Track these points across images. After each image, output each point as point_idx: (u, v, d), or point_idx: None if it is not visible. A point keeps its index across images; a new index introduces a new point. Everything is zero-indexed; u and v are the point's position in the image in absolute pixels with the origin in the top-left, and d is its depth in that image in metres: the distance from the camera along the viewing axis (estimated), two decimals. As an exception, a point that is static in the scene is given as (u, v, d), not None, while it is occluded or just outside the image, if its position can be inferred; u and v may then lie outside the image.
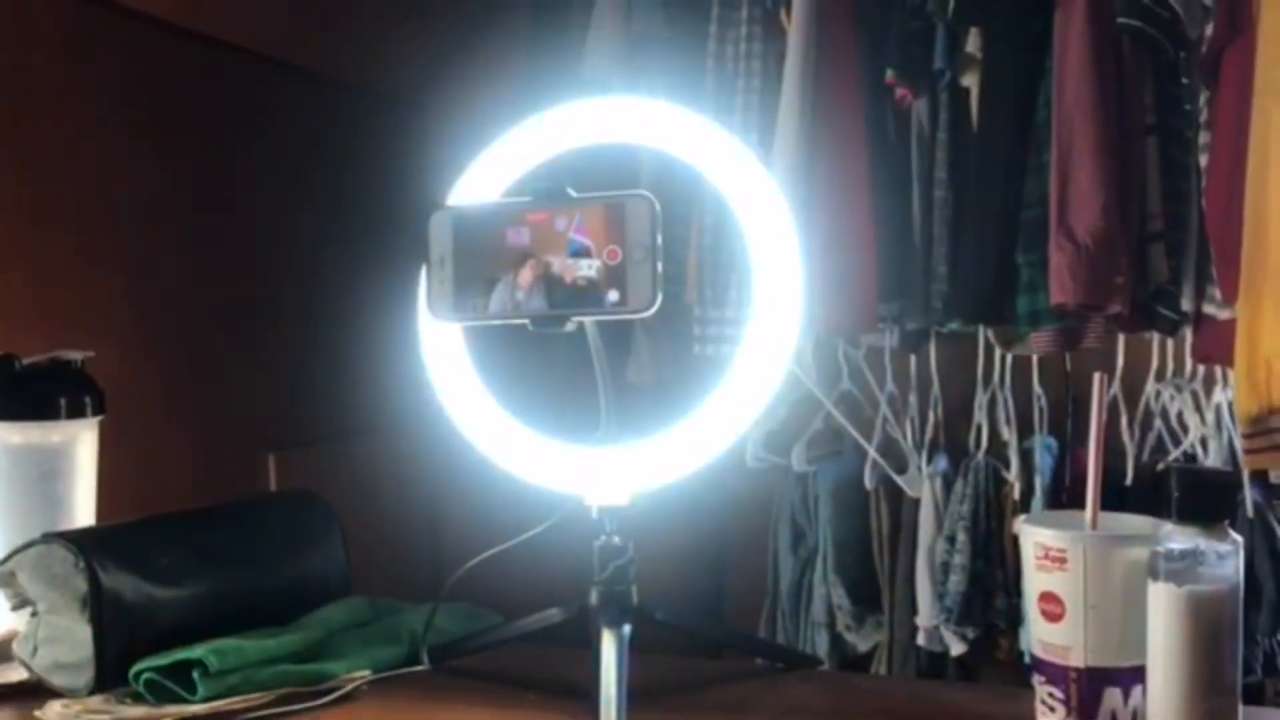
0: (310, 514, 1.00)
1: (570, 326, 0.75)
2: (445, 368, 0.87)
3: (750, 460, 1.89)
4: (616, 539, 0.82)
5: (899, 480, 1.90)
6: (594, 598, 0.83)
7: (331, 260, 2.13)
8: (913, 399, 1.93)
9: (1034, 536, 0.77)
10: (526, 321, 0.75)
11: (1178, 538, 0.71)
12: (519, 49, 2.08)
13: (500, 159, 0.88)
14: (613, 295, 0.74)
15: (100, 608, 0.83)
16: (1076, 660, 0.75)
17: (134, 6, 1.65)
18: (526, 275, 0.75)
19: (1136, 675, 0.74)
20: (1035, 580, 0.78)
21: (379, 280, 2.20)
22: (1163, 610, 0.70)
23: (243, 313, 1.91)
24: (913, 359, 1.93)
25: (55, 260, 1.55)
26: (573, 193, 0.75)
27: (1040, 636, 0.78)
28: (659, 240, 0.73)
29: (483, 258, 0.76)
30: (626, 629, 0.80)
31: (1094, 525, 0.79)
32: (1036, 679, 0.78)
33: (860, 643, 1.96)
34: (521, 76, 2.03)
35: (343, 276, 2.16)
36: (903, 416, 1.93)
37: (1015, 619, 1.82)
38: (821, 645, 1.94)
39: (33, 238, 1.52)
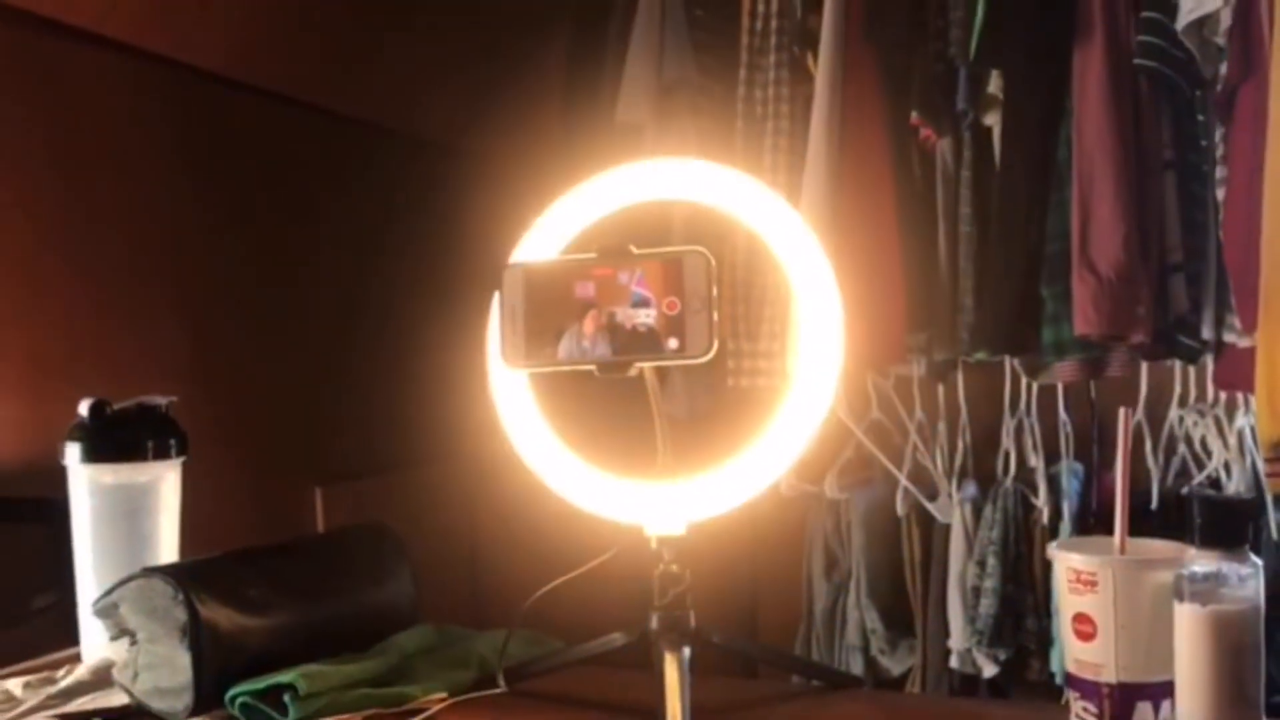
0: (382, 546, 1.07)
1: (633, 371, 0.82)
2: (515, 410, 0.93)
3: (784, 489, 1.94)
4: (675, 567, 0.88)
5: (930, 507, 1.95)
6: (654, 622, 0.89)
7: (377, 300, 2.21)
8: (941, 427, 1.98)
9: (1066, 561, 0.83)
10: (593, 367, 0.82)
11: (1201, 561, 0.76)
12: (552, 95, 2.16)
13: (555, 219, 0.95)
14: (672, 342, 0.80)
15: (199, 637, 0.89)
16: (1109, 676, 0.80)
17: (191, 62, 1.74)
18: (590, 324, 0.81)
19: (1166, 690, 0.79)
20: (1068, 602, 0.83)
21: (422, 318, 2.29)
22: (1188, 629, 0.75)
23: (292, 352, 1.99)
24: (940, 388, 1.98)
25: (118, 305, 1.63)
26: (635, 249, 0.82)
27: (1074, 655, 0.83)
28: (714, 292, 0.80)
29: (552, 309, 0.82)
30: (687, 652, 0.86)
31: (1123, 550, 0.84)
32: (1072, 695, 0.83)
33: (894, 666, 2.00)
34: (555, 121, 2.10)
35: (387, 315, 2.24)
36: (932, 444, 1.99)
37: (1045, 640, 1.86)
38: (856, 668, 1.99)
39: (98, 285, 1.60)
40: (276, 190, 1.96)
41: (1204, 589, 0.75)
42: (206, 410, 1.76)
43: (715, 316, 0.80)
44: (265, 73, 1.88)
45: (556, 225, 0.95)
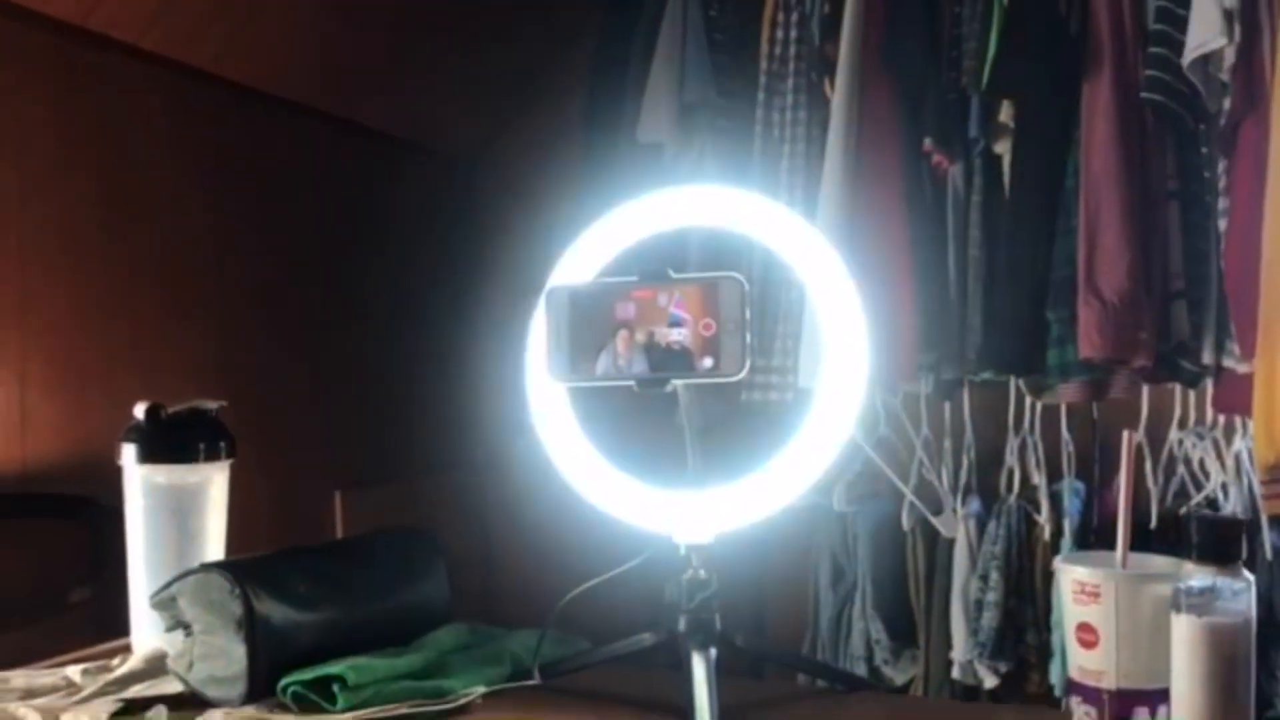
0: (419, 547, 1.13)
1: (670, 388, 0.87)
2: (553, 423, 0.99)
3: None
4: (702, 573, 0.94)
5: (934, 521, 2.00)
6: (682, 624, 0.94)
7: (398, 309, 2.27)
8: (947, 444, 2.04)
9: (1071, 574, 0.89)
10: (633, 383, 0.87)
11: (1197, 576, 0.82)
12: (573, 113, 2.22)
13: (591, 242, 1.01)
14: (707, 361, 0.86)
15: (254, 629, 0.95)
16: (1109, 683, 0.86)
17: (227, 76, 1.80)
18: (624, 343, 0.87)
19: (1163, 696, 0.84)
20: (1072, 612, 0.89)
21: (443, 327, 2.35)
22: (1184, 639, 0.81)
23: (315, 358, 2.04)
24: (947, 406, 2.04)
25: (151, 315, 1.68)
26: (672, 273, 0.87)
27: (1078, 662, 0.89)
28: (748, 315, 0.85)
29: (594, 327, 0.88)
30: (713, 652, 0.92)
31: (1124, 564, 0.90)
32: (1074, 700, 0.89)
33: (897, 675, 2.05)
34: (576, 139, 2.16)
35: (408, 324, 2.30)
36: (937, 461, 2.04)
37: (1045, 653, 1.91)
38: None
39: (132, 296, 1.65)
40: (307, 201, 2.02)
41: (1200, 601, 0.81)
42: (231, 414, 1.82)
43: (748, 338, 0.85)
44: (299, 88, 1.94)
45: (587, 248, 1.01)
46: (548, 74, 2.43)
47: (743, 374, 0.85)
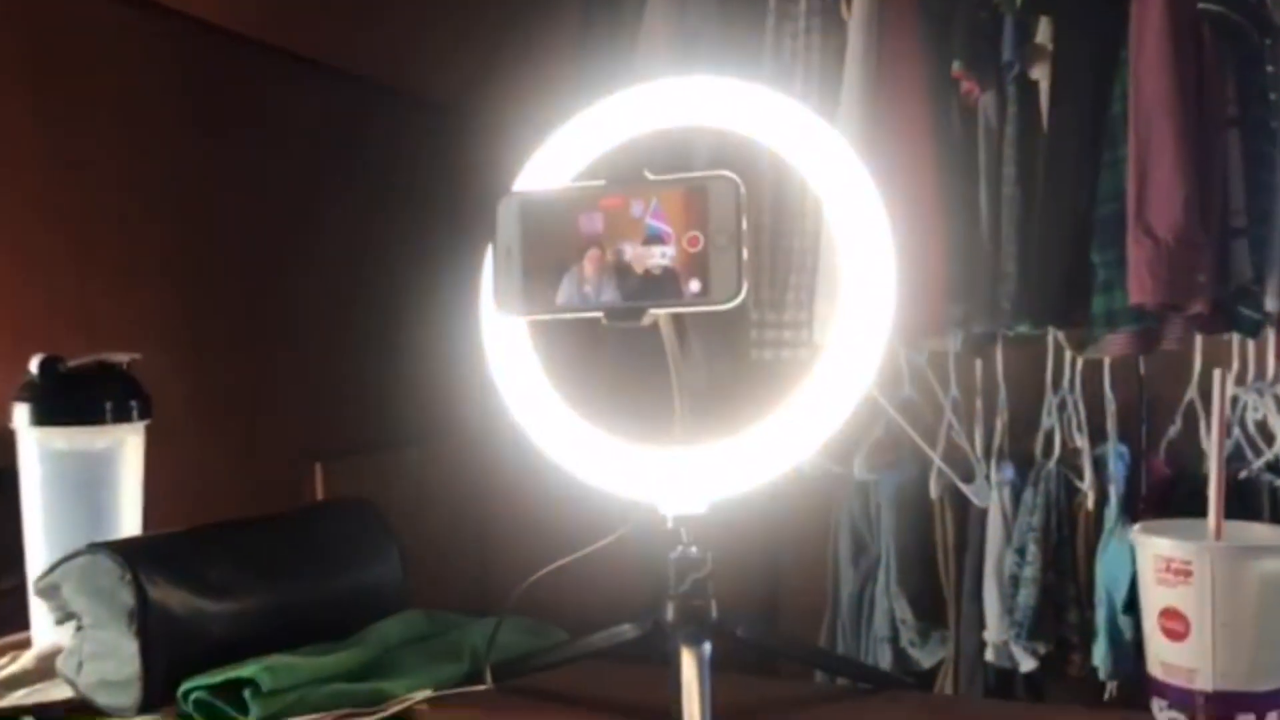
0: (366, 524, 0.96)
1: (647, 320, 0.70)
2: (510, 364, 0.82)
3: (807, 467, 1.82)
4: (694, 550, 0.77)
5: (965, 489, 1.83)
6: (670, 613, 0.77)
7: (379, 266, 2.10)
8: (979, 404, 1.86)
9: (1152, 548, 0.71)
10: (600, 314, 0.70)
11: (1319, 548, 0.64)
12: (568, 51, 2.03)
13: (562, 147, 0.83)
14: (694, 285, 0.68)
15: (147, 622, 0.78)
16: (1204, 684, 0.68)
17: (183, 9, 1.63)
18: (591, 264, 0.69)
19: (1273, 700, 0.67)
20: (1154, 595, 0.71)
21: (426, 287, 2.17)
22: (1307, 629, 0.63)
23: (290, 320, 1.88)
24: (978, 363, 1.87)
25: (102, 263, 1.52)
26: (650, 175, 0.70)
27: (1161, 657, 0.71)
28: (744, 225, 0.68)
29: (553, 246, 0.70)
30: (707, 647, 0.74)
31: (1218, 534, 0.72)
32: (1157, 704, 0.71)
33: (924, 658, 1.88)
34: (570, 79, 1.98)
35: (390, 283, 2.13)
36: (968, 423, 1.87)
37: (1088, 633, 1.75)
38: (884, 660, 1.87)
39: (79, 239, 1.49)
40: (277, 149, 1.85)
41: (1324, 582, 0.63)
42: (193, 377, 1.66)
43: (745, 254, 0.67)
44: (263, 25, 1.77)
45: (564, 154, 0.83)
46: (542, 12, 2.25)
47: (738, 299, 0.67)
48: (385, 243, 2.12)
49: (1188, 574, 0.68)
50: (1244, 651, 0.67)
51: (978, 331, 1.75)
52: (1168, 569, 0.69)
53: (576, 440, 0.80)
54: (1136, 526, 0.73)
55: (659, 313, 0.70)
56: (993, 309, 1.69)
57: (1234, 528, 0.73)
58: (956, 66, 1.62)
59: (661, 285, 0.69)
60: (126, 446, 0.98)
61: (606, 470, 0.79)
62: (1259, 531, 0.74)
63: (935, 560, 1.87)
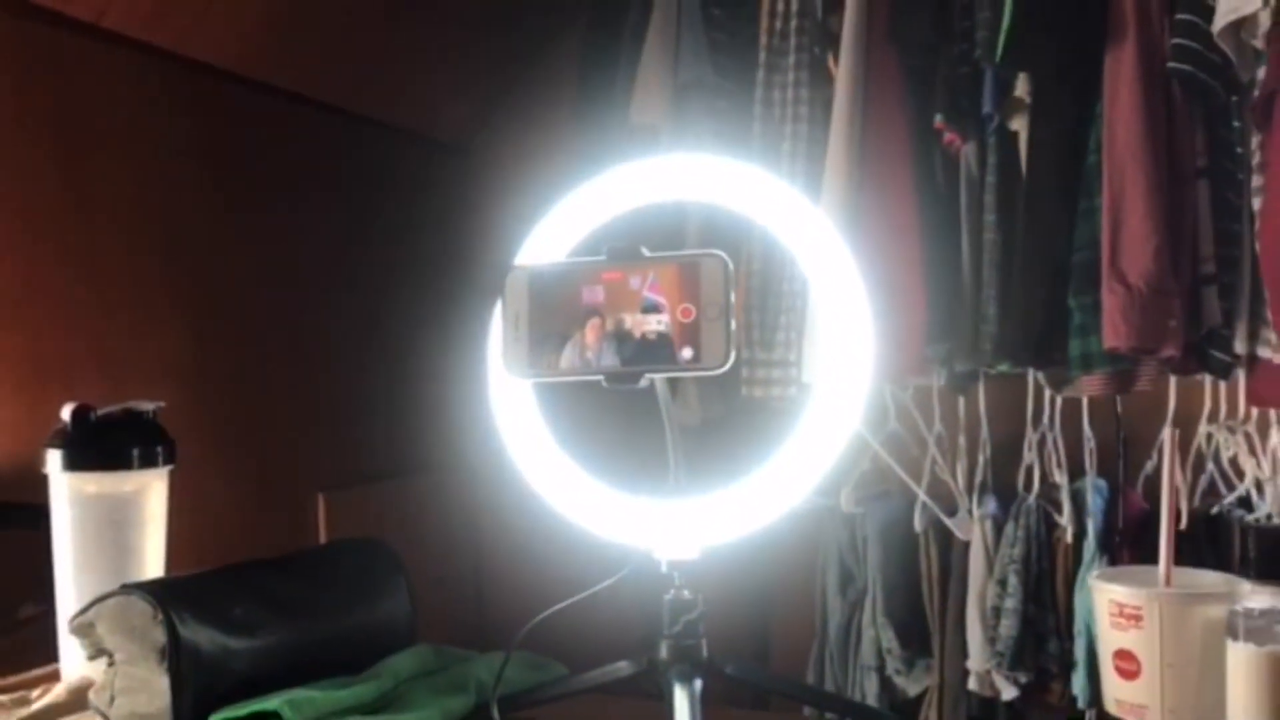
0: (377, 562, 1.02)
1: (644, 383, 0.76)
2: (516, 423, 0.88)
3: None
4: (686, 593, 0.83)
5: (949, 523, 1.89)
6: (664, 652, 0.83)
7: (383, 303, 2.16)
8: (961, 440, 1.92)
9: (1108, 594, 0.77)
10: (601, 377, 0.76)
11: (1256, 597, 0.70)
12: (566, 97, 2.10)
13: (561, 219, 0.90)
14: (686, 352, 0.75)
15: (178, 659, 0.84)
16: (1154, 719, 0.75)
17: (194, 55, 1.70)
18: (593, 332, 0.76)
19: (1216, 735, 0.73)
20: (1109, 638, 0.77)
21: (432, 322, 2.24)
22: (1243, 671, 0.69)
23: (293, 354, 1.94)
24: (961, 400, 1.93)
25: (120, 305, 1.58)
26: (646, 251, 0.76)
27: (1116, 695, 0.77)
28: (733, 298, 0.74)
29: (558, 315, 0.77)
30: (698, 684, 0.80)
31: (1168, 581, 0.78)
32: (1112, 737, 0.78)
33: (910, 686, 1.94)
34: (569, 124, 2.05)
35: (395, 319, 2.20)
36: (951, 458, 1.93)
37: (1068, 663, 1.80)
38: (871, 689, 1.93)
39: (97, 283, 1.55)
40: (282, 191, 1.91)
41: (1260, 626, 0.69)
42: (204, 414, 1.72)
43: (733, 325, 0.74)
44: (273, 69, 1.83)
45: (563, 226, 0.89)
46: (541, 57, 2.32)
47: (726, 366, 0.74)
48: (394, 280, 2.19)
49: (1139, 618, 0.75)
50: (1190, 691, 0.74)
51: (960, 370, 1.80)
52: (1120, 613, 0.76)
53: (578, 491, 0.86)
54: (1094, 574, 0.80)
55: (655, 377, 0.76)
56: (974, 348, 1.74)
57: (1183, 575, 0.79)
58: (939, 118, 1.68)
59: (656, 351, 0.75)
60: (152, 490, 1.04)
61: (606, 519, 0.85)
62: (1206, 579, 0.80)
63: (920, 591, 1.92)
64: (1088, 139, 1.64)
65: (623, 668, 0.85)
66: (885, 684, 1.93)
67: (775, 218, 0.85)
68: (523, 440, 0.88)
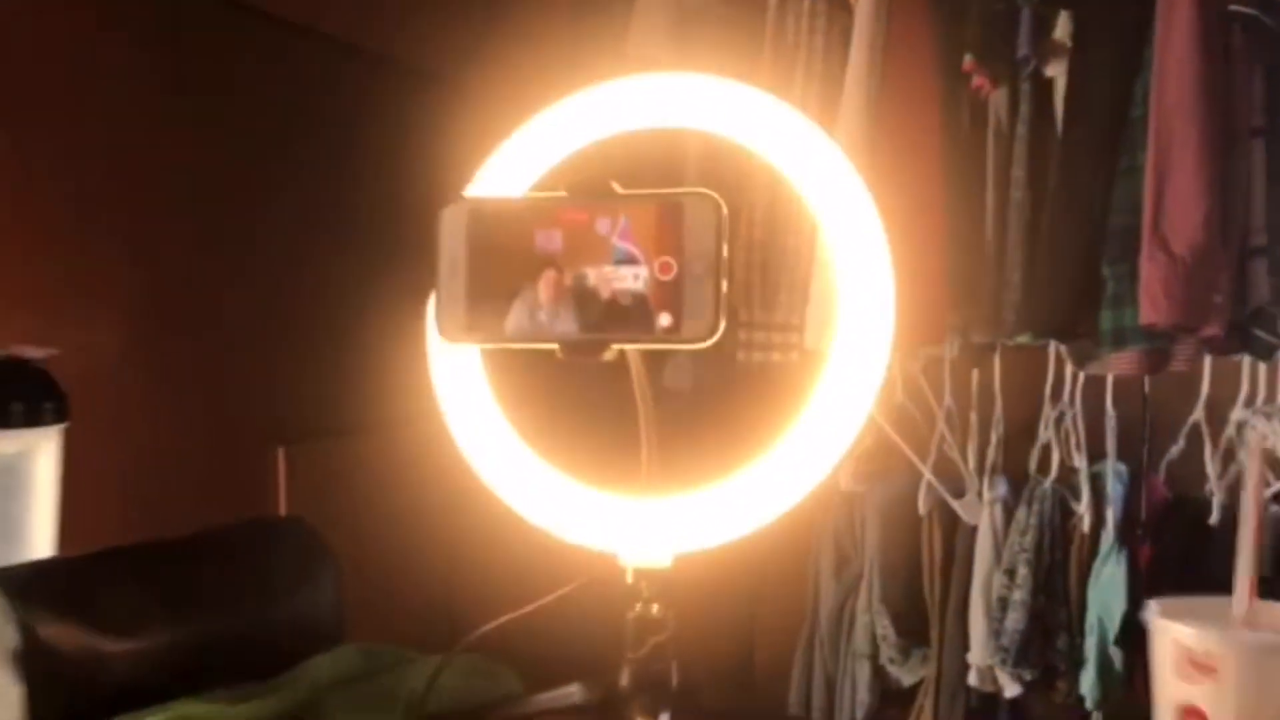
0: (297, 546, 0.86)
1: (609, 355, 0.61)
2: (457, 392, 0.72)
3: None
4: (655, 609, 0.68)
5: (955, 505, 1.75)
6: (625, 678, 0.68)
7: (350, 240, 1.99)
8: (973, 416, 1.78)
9: (1173, 635, 0.62)
10: (555, 346, 0.61)
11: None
12: (560, 24, 1.93)
13: (531, 145, 0.73)
14: (664, 319, 0.59)
15: (33, 664, 0.69)
16: (1226, 795, 0.60)
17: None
18: (548, 288, 0.60)
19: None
20: (1172, 688, 0.63)
21: (404, 259, 2.07)
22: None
23: (252, 297, 1.78)
24: (975, 372, 1.78)
25: (53, 237, 1.42)
26: (619, 188, 0.60)
27: (1178, 760, 0.63)
28: (725, 252, 0.58)
29: (504, 264, 0.61)
30: (665, 718, 0.66)
31: (1248, 620, 0.63)
32: (1170, 811, 0.63)
33: (904, 676, 1.82)
34: (563, 53, 1.88)
35: (363, 256, 2.03)
36: (961, 435, 1.78)
37: (1077, 660, 1.68)
38: (862, 677, 1.80)
39: (23, 208, 1.39)
40: (240, 116, 1.74)
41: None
42: (151, 357, 1.57)
43: (724, 286, 0.58)
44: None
45: (531, 154, 0.73)
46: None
47: (712, 339, 0.58)
48: (363, 222, 2.02)
49: (1213, 670, 0.60)
50: (1274, 763, 0.59)
51: (977, 340, 1.67)
52: (1190, 662, 0.61)
53: (529, 478, 0.71)
54: (1154, 607, 0.65)
55: (623, 348, 0.61)
56: (994, 318, 1.62)
57: (1268, 611, 0.65)
58: (968, 59, 1.55)
59: (627, 316, 0.59)
60: (39, 453, 0.89)
61: (562, 515, 0.70)
62: (1293, 619, 0.65)
63: (920, 577, 1.79)
64: (1133, 89, 1.51)
65: (574, 693, 0.71)
66: (878, 672, 1.80)
67: (783, 151, 0.69)
68: (465, 413, 0.72)
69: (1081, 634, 1.67)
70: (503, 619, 0.71)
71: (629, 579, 0.68)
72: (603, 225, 0.60)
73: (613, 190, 0.60)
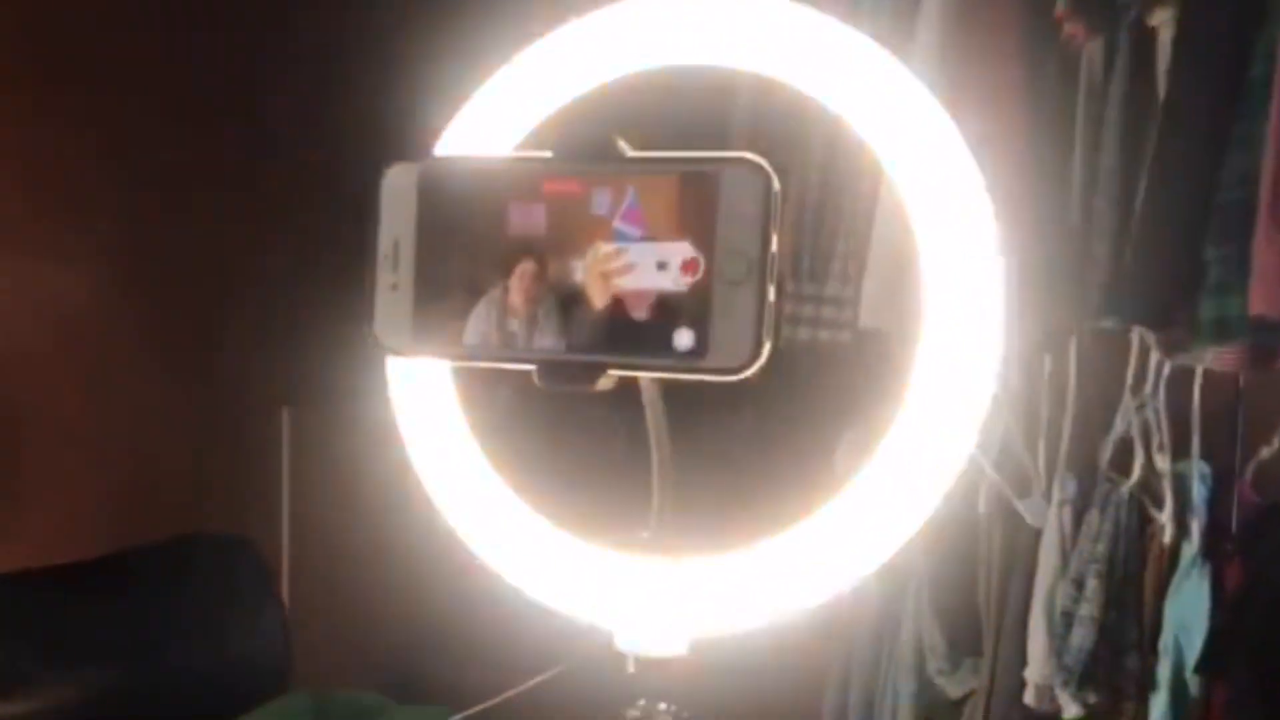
0: (234, 572, 0.71)
1: (605, 384, 0.44)
2: (420, 410, 0.56)
3: (837, 468, 1.57)
4: (662, 707, 0.51)
5: (1019, 506, 1.58)
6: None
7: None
8: (1043, 409, 1.60)
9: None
10: (532, 368, 0.44)
11: None
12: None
13: (523, 84, 0.56)
14: (684, 338, 0.42)
15: None
16: None
17: None
18: (522, 286, 0.43)
19: None
20: None
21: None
22: None
23: (257, 245, 1.65)
24: (1047, 358, 1.60)
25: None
26: (627, 148, 0.43)
27: None
28: (775, 246, 0.41)
29: (466, 251, 0.44)
30: None
31: None
32: None
33: (952, 687, 1.66)
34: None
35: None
36: (1029, 428, 1.60)
37: (1149, 684, 1.50)
38: (906, 689, 1.65)
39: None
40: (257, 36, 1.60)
41: None
42: (141, 307, 1.44)
43: (772, 294, 0.41)
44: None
45: (522, 97, 0.56)
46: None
47: (751, 369, 0.41)
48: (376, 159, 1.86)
49: None
50: None
51: (1054, 322, 1.49)
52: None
53: (505, 526, 0.55)
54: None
55: (625, 374, 0.44)
56: (1076, 299, 1.46)
57: None
58: (1061, 5, 1.39)
59: (631, 331, 0.42)
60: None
61: (545, 575, 0.53)
62: None
63: (975, 582, 1.62)
64: (1254, 44, 1.31)
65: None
66: (924, 686, 1.64)
67: (852, 91, 0.51)
68: (428, 438, 0.56)
69: (1154, 653, 1.50)
70: (474, 709, 0.54)
71: (630, 668, 0.52)
72: (601, 201, 0.42)
73: (618, 151, 0.43)
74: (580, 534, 0.53)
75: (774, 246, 0.41)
